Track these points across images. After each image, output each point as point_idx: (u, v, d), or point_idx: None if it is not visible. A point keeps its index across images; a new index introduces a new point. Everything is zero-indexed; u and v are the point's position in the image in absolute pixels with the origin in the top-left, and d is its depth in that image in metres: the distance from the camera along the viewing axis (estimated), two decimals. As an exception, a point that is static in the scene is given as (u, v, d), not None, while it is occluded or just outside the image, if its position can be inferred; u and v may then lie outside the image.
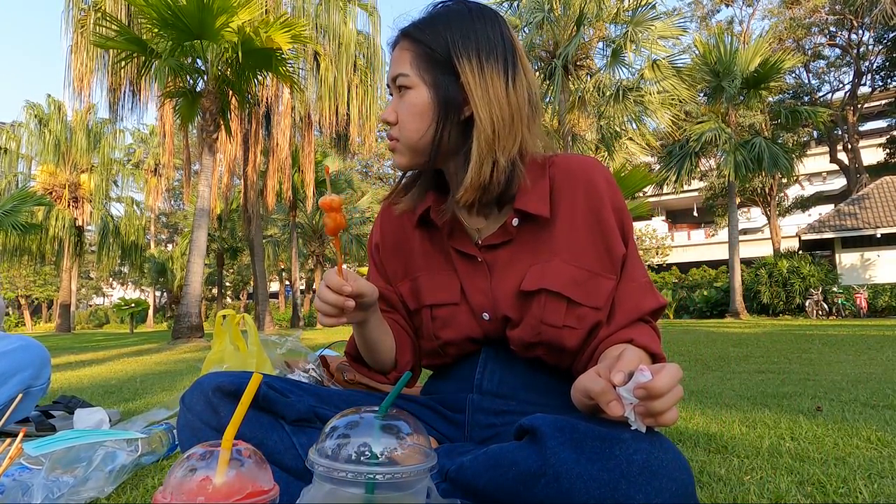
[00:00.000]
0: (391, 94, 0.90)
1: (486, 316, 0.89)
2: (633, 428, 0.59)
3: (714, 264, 24.98)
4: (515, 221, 0.88)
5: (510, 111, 0.84)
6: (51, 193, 20.36)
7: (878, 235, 17.01)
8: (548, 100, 11.46)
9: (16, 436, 0.74)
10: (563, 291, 0.83)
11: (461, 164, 0.87)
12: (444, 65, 0.84)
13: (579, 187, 0.87)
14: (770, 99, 16.73)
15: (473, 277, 0.90)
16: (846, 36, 22.80)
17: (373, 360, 0.94)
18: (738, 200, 16.37)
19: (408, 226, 0.97)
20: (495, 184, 0.84)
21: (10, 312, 37.77)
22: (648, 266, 24.98)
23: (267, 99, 12.57)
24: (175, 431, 1.52)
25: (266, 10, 10.53)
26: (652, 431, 0.61)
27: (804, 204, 22.89)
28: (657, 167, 16.86)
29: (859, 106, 22.80)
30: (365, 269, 1.83)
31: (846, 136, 22.82)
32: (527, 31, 11.17)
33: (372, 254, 1.04)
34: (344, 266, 0.80)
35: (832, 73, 24.74)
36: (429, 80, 0.84)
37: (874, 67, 22.40)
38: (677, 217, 33.79)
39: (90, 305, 44.61)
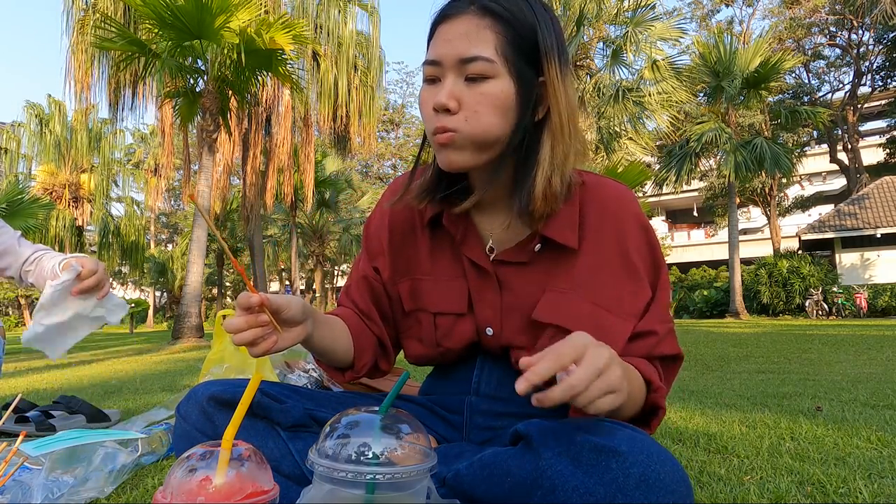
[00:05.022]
0: (433, 77, 0.77)
1: (489, 331, 0.86)
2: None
3: (714, 264, 24.95)
4: (538, 247, 0.83)
5: (576, 119, 0.78)
6: (51, 193, 20.36)
7: (878, 235, 17.00)
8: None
9: (16, 436, 0.74)
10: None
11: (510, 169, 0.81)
12: (530, 56, 0.76)
13: (610, 222, 0.82)
14: (770, 99, 16.72)
15: (484, 290, 0.86)
16: (846, 36, 22.81)
17: (326, 360, 0.88)
18: (737, 200, 16.36)
19: (417, 224, 0.91)
20: (554, 197, 0.78)
21: (10, 313, 37.80)
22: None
23: (267, 99, 12.56)
24: (175, 431, 1.52)
25: (266, 10, 10.52)
26: (651, 443, 0.60)
27: (804, 204, 22.90)
28: (657, 167, 16.86)
29: (859, 106, 22.80)
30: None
31: (846, 136, 22.82)
32: (527, 31, 11.17)
33: (370, 237, 0.96)
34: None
35: (832, 73, 24.78)
36: (515, 71, 0.75)
37: (874, 67, 22.41)
38: (677, 217, 33.77)
39: (90, 305, 44.56)
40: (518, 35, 0.75)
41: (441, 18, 0.77)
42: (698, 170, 16.15)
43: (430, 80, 0.78)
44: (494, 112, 0.75)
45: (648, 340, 0.79)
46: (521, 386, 0.54)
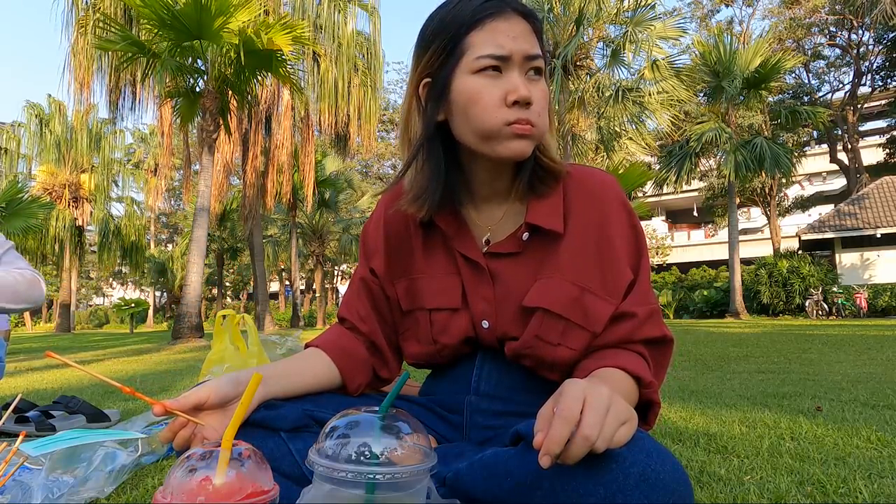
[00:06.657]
0: (495, 67, 0.79)
1: (485, 324, 0.87)
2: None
3: (714, 264, 24.96)
4: (525, 236, 0.86)
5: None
6: (51, 193, 20.37)
7: (878, 235, 17.00)
8: (548, 100, 11.48)
9: (16, 436, 0.74)
10: (563, 313, 0.81)
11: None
12: (545, 58, 0.86)
13: (594, 207, 0.85)
14: (770, 99, 16.73)
15: (477, 284, 0.88)
16: (846, 36, 22.81)
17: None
18: (737, 200, 16.37)
19: (411, 224, 0.93)
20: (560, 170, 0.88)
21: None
22: (648, 266, 24.89)
23: (266, 99, 12.56)
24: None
25: (266, 10, 10.53)
26: (650, 442, 0.60)
27: (804, 204, 22.90)
28: (657, 167, 16.87)
29: (859, 106, 22.80)
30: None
31: (846, 136, 22.83)
32: (527, 31, 11.19)
33: (367, 239, 0.98)
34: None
35: (832, 73, 24.78)
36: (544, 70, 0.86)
37: (874, 67, 22.40)
38: (677, 217, 33.77)
39: (90, 305, 44.59)
40: (540, 37, 0.84)
41: (490, 14, 0.79)
42: (698, 170, 16.17)
43: (492, 72, 0.79)
44: (548, 106, 0.83)
45: (628, 323, 0.82)
46: (545, 461, 0.53)
